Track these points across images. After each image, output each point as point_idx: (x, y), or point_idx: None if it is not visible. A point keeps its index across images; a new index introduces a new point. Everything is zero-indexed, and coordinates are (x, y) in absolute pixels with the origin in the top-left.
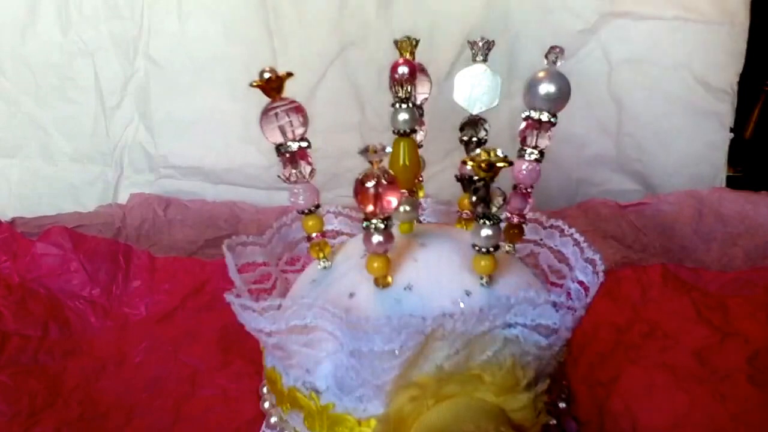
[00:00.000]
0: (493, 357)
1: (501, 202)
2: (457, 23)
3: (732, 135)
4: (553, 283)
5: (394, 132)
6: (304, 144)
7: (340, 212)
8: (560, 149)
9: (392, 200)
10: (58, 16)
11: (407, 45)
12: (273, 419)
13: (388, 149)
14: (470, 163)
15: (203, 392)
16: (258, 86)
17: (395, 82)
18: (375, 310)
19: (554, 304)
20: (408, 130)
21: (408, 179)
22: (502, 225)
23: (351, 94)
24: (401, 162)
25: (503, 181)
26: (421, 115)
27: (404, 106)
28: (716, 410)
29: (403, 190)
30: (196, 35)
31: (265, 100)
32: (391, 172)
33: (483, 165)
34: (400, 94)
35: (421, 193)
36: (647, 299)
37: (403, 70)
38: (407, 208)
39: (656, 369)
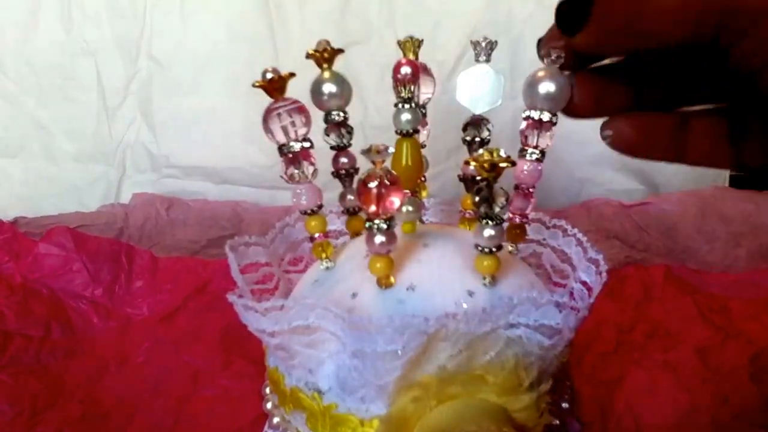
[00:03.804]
0: (495, 357)
1: (504, 203)
2: (460, 23)
3: None
4: (556, 283)
5: (396, 132)
6: (306, 144)
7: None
8: (563, 148)
9: (395, 200)
10: (61, 16)
11: (410, 45)
12: (276, 419)
13: (391, 149)
14: (473, 163)
15: (205, 392)
16: (260, 87)
17: (398, 82)
18: (377, 311)
19: (557, 305)
20: (411, 131)
21: (411, 179)
22: (505, 225)
23: (354, 94)
24: (404, 162)
25: (505, 180)
26: (424, 115)
27: (407, 106)
28: (719, 410)
29: (406, 191)
30: (199, 35)
31: (268, 99)
32: (394, 172)
33: (486, 165)
34: (403, 95)
35: (424, 193)
36: (650, 299)
37: (406, 70)
38: (410, 208)
39: (659, 369)
